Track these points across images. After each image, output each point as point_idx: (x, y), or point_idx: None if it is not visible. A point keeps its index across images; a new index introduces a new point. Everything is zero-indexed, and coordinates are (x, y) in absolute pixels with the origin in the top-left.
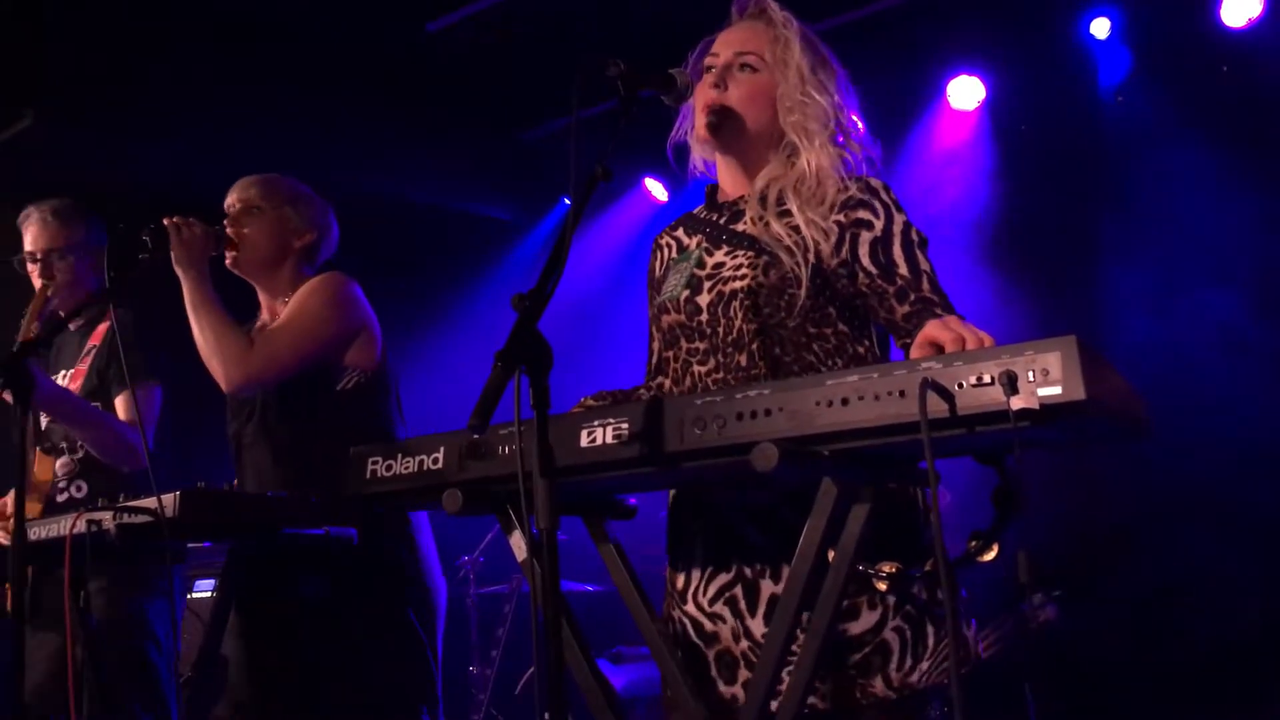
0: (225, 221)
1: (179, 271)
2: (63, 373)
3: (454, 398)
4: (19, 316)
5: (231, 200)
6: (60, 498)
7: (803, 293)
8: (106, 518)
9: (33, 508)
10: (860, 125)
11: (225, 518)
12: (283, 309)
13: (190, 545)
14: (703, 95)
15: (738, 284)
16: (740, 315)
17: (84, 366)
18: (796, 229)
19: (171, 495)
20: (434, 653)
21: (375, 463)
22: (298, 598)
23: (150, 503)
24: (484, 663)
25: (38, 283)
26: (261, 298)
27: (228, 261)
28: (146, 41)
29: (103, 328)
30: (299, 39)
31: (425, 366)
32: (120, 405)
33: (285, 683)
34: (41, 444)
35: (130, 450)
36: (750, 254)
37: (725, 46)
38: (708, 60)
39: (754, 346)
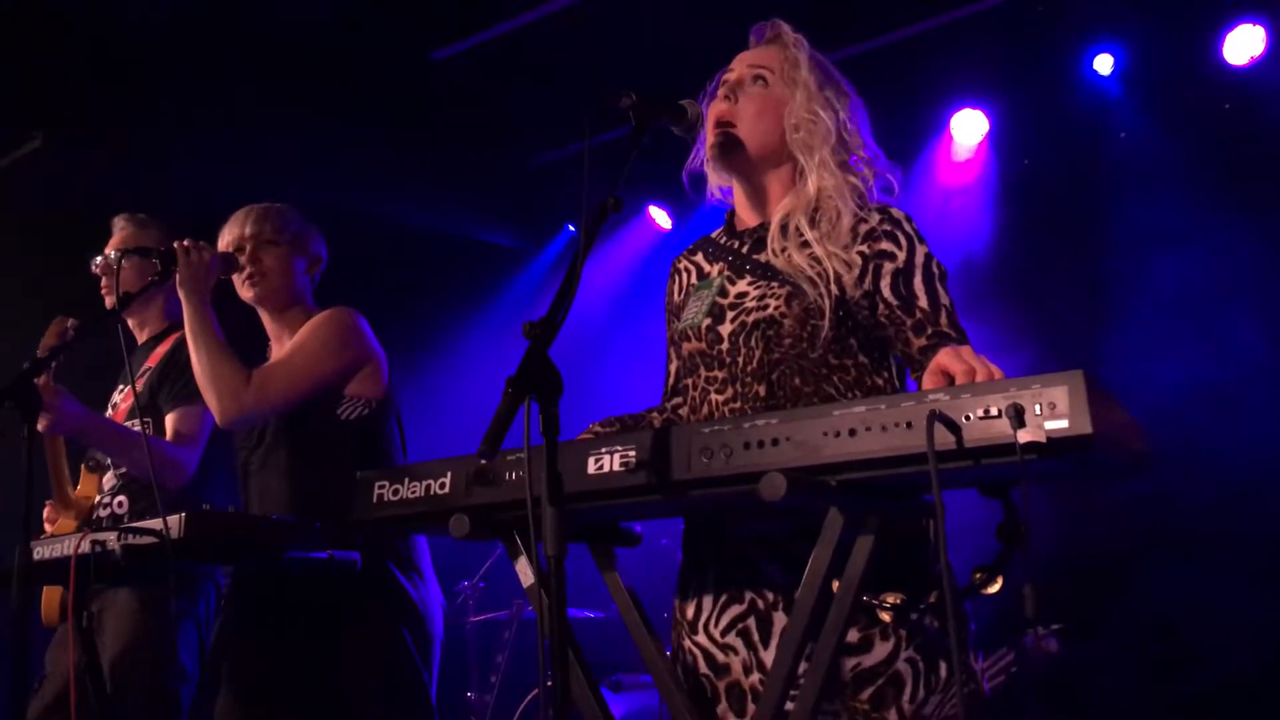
0: (243, 259)
1: (182, 295)
2: (120, 387)
3: (457, 423)
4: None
5: (241, 234)
6: (102, 513)
7: (826, 324)
8: (111, 538)
9: (69, 524)
10: (875, 149)
11: (230, 540)
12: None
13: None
14: (714, 109)
15: (760, 314)
16: (761, 346)
17: (138, 385)
18: (818, 260)
19: (177, 517)
20: (429, 678)
21: (382, 487)
22: (295, 620)
23: (155, 524)
24: (483, 689)
25: (109, 298)
26: (271, 329)
27: (249, 296)
28: (155, 67)
29: (162, 349)
30: (306, 65)
31: (429, 392)
32: (169, 423)
33: (277, 705)
34: (86, 461)
35: (171, 468)
36: (773, 285)
37: (740, 63)
38: (722, 78)
39: (774, 377)
